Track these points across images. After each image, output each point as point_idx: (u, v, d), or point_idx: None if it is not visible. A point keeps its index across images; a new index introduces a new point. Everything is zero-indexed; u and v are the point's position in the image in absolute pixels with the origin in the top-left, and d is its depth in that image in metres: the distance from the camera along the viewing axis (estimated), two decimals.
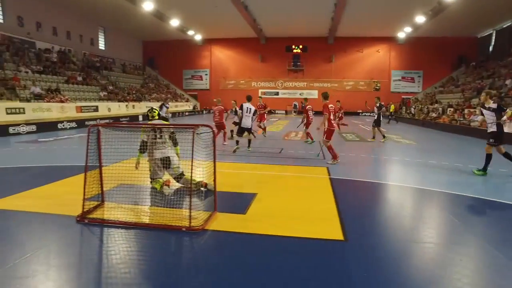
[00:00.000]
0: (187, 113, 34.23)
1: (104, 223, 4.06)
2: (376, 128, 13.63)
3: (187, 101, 39.74)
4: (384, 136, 13.36)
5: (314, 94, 40.91)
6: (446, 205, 5.40)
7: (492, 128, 7.12)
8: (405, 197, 5.94)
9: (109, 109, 23.64)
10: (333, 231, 4.00)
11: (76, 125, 17.91)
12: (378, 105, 13.49)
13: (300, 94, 41.03)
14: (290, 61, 40.40)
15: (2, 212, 4.49)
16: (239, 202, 5.00)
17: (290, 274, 3.03)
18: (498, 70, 25.97)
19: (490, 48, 33.12)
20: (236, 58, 41.35)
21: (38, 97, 18.13)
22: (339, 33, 35.69)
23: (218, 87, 41.42)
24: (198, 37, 38.58)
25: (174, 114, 30.48)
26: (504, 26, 30.96)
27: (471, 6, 24.23)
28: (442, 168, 8.06)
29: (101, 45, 33.87)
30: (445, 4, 23.92)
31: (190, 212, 3.91)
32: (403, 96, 38.13)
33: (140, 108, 27.34)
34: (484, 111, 7.33)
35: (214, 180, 4.36)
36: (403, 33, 34.25)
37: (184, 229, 3.85)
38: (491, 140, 7.15)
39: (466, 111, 20.29)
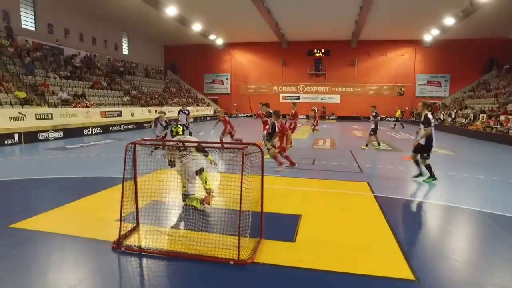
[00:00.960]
0: (208, 118, 34.13)
1: (142, 252, 3.69)
2: (372, 136, 13.15)
3: (208, 106, 39.71)
4: (378, 144, 13.31)
5: (336, 98, 40.22)
6: None
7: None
8: (474, 223, 5.23)
9: (132, 114, 23.71)
10: (399, 266, 3.50)
11: (101, 131, 17.95)
12: (374, 114, 13.07)
13: (321, 99, 40.41)
14: (312, 65, 39.78)
15: (36, 233, 4.22)
16: (285, 226, 4.55)
17: None
18: None
19: None
20: (257, 62, 41.07)
21: (65, 103, 18.30)
22: (363, 36, 34.84)
23: (238, 92, 41.20)
24: (220, 42, 38.55)
25: (195, 119, 30.41)
26: None
27: (507, 6, 23.03)
28: (498, 183, 7.38)
29: (125, 50, 34.30)
30: (478, 5, 22.82)
31: (239, 242, 3.47)
32: (430, 102, 36.81)
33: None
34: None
35: (262, 203, 3.93)
36: (429, 36, 33.05)
37: (232, 262, 3.43)
38: (424, 155, 7.27)
39: (502, 117, 19.18)
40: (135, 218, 4.25)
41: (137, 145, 4.06)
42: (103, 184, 6.54)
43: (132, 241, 3.92)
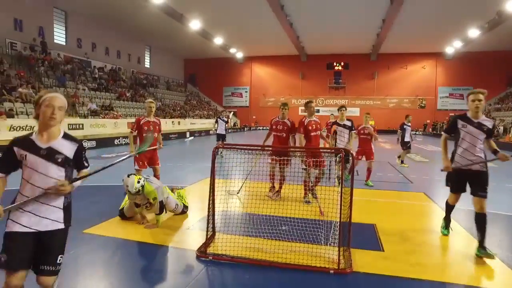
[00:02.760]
0: (229, 130, 34.23)
1: (233, 261, 3.56)
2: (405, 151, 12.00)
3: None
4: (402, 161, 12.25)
5: (356, 111, 39.77)
6: None
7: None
8: None
9: None
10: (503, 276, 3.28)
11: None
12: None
13: None
14: (331, 78, 39.76)
15: (110, 239, 4.15)
16: (365, 235, 4.39)
17: None
18: None
19: None
20: (276, 75, 41.29)
21: (94, 113, 18.62)
22: (383, 49, 34.77)
23: (258, 104, 41.40)
24: (239, 55, 39.00)
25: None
26: None
27: None
28: None
29: (147, 63, 35.00)
30: (505, 16, 22.52)
31: (339, 251, 3.32)
32: (450, 114, 36.16)
33: (185, 124, 27.62)
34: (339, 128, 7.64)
35: (350, 211, 3.76)
36: (452, 48, 32.73)
37: (332, 271, 3.27)
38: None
39: None
40: (212, 226, 4.12)
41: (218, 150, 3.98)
42: None
43: (214, 249, 3.79)
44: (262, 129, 39.34)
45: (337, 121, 7.70)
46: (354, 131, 7.56)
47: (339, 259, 3.33)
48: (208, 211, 3.95)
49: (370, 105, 38.65)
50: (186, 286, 3.05)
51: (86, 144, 14.76)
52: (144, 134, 5.80)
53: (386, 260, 3.66)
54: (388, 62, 37.38)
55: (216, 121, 12.83)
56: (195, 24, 26.30)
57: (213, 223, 4.13)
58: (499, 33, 26.32)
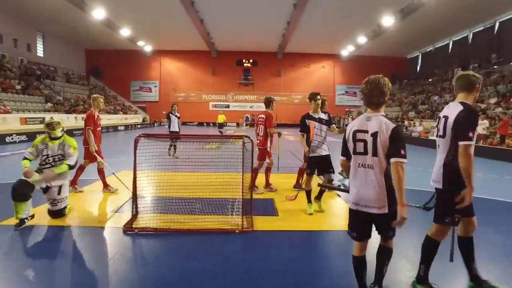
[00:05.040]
0: (139, 126, 33.16)
1: (156, 231, 4.19)
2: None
3: (136, 113, 38.44)
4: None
5: (264, 107, 42.23)
6: None
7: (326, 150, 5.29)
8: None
9: None
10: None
11: (26, 138, 16.51)
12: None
13: (250, 107, 42.13)
14: (241, 74, 41.47)
15: (36, 228, 4.36)
16: (266, 206, 5.53)
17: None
18: (427, 88, 29.63)
19: (418, 68, 37.63)
20: (186, 70, 41.27)
21: None
22: (288, 49, 37.71)
23: (168, 100, 40.76)
24: (148, 48, 37.86)
25: (126, 126, 29.39)
26: (428, 50, 35.52)
27: (402, 31, 27.61)
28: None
29: (40, 52, 31.53)
30: (383, 28, 26.82)
31: (242, 217, 4.31)
32: (346, 109, 41.21)
33: None
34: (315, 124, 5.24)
35: (251, 189, 4.73)
36: (346, 51, 37.34)
37: (237, 231, 4.20)
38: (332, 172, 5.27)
39: (406, 122, 22.82)
40: (135, 206, 4.65)
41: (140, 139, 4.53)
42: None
43: (140, 224, 4.37)
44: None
45: (310, 113, 5.31)
46: (333, 125, 5.50)
47: (242, 222, 4.33)
48: (133, 194, 4.49)
49: (277, 101, 41.15)
50: (114, 256, 3.59)
51: None
52: (98, 129, 6.17)
53: (279, 221, 4.83)
54: (293, 61, 40.66)
55: (168, 117, 11.19)
56: (98, 13, 24.84)
57: (136, 204, 4.66)
58: (381, 41, 31.09)
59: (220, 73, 41.30)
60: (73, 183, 6.07)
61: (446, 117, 2.69)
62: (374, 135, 2.43)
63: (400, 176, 2.32)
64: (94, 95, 6.44)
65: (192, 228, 4.26)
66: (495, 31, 25.89)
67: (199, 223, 4.39)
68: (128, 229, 4.20)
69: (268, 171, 6.66)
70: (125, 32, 30.30)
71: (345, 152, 2.65)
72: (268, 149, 6.66)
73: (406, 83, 36.42)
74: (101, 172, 6.20)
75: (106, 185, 6.27)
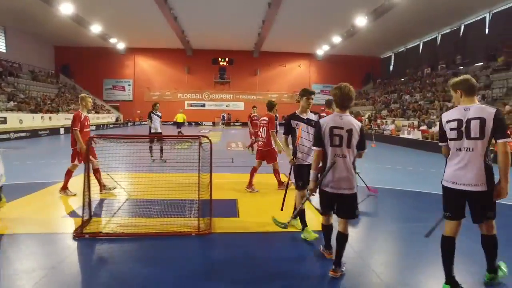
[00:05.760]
0: (111, 125, 32.24)
1: (109, 236, 4.01)
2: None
3: (108, 113, 37.37)
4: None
5: (240, 106, 42.18)
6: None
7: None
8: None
9: (20, 121, 21.09)
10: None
11: None
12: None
13: (226, 106, 41.92)
14: (217, 73, 41.15)
15: None
16: (228, 207, 5.42)
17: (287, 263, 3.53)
18: (399, 87, 30.44)
19: (391, 68, 38.60)
20: (161, 69, 40.56)
21: None
22: (264, 47, 37.73)
23: (142, 99, 39.96)
24: (121, 46, 36.84)
25: (98, 126, 28.50)
26: (400, 50, 36.50)
27: (375, 32, 28.17)
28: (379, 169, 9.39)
29: (1, 47, 29.98)
30: (357, 28, 27.29)
31: (198, 219, 4.17)
32: (321, 108, 41.65)
33: (58, 120, 24.96)
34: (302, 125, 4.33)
35: (210, 190, 4.62)
36: (321, 50, 37.77)
37: (193, 234, 4.08)
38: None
39: (379, 121, 23.33)
40: (88, 210, 4.44)
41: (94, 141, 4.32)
42: (25, 190, 6.23)
43: (92, 229, 4.17)
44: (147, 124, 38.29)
45: (297, 113, 4.43)
46: None
47: (198, 225, 4.20)
48: (84, 198, 4.27)
49: (253, 99, 41.29)
50: (57, 264, 3.39)
51: None
52: (86, 129, 6.06)
53: (239, 222, 4.75)
54: (269, 60, 40.71)
55: (149, 117, 10.46)
56: (66, 8, 23.82)
57: (89, 208, 4.46)
58: (355, 41, 31.64)
59: (196, 71, 40.84)
60: (64, 188, 5.92)
61: (481, 119, 2.74)
62: (349, 131, 3.09)
63: (360, 157, 3.25)
64: (82, 95, 6.35)
65: (147, 232, 4.12)
66: (461, 34, 26.88)
67: (155, 227, 4.25)
68: (78, 235, 4.00)
69: (254, 171, 6.70)
70: (96, 28, 29.33)
71: (321, 143, 3.18)
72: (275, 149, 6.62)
73: (379, 82, 37.27)
74: (97, 172, 5.93)
75: (102, 186, 6.03)
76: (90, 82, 38.65)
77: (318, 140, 3.21)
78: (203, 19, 27.61)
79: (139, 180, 5.28)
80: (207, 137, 4.58)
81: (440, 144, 3.06)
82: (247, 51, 39.78)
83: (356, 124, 3.13)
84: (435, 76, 26.64)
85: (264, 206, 5.52)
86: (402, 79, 32.41)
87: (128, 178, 5.40)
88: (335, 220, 3.37)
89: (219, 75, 41.22)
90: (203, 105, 41.88)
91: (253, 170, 6.67)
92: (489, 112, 2.74)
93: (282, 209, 4.51)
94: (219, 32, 31.69)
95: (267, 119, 6.69)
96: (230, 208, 5.39)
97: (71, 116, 6.52)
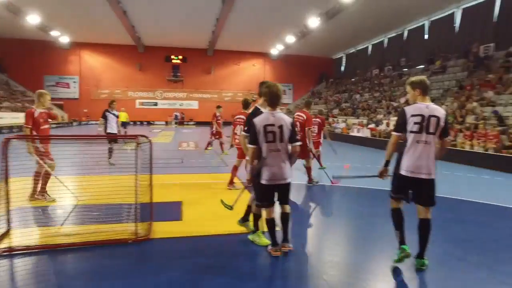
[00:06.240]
0: (54, 125, 29.91)
1: (30, 250, 3.52)
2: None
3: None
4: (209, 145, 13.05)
5: (194, 104, 41.33)
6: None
7: None
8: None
9: None
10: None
11: None
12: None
13: (180, 105, 40.86)
14: (170, 71, 39.95)
15: None
16: (171, 210, 5.11)
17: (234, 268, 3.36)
18: (350, 87, 31.65)
19: (342, 68, 40.05)
20: (111, 65, 38.50)
21: None
22: (219, 46, 37.30)
23: (89, 97, 37.64)
24: (65, 39, 34.27)
25: None
26: (351, 52, 37.97)
27: (328, 33, 28.99)
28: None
29: None
30: (310, 29, 27.86)
31: (136, 225, 3.82)
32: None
33: None
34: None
35: (151, 193, 4.29)
36: (276, 50, 38.14)
37: (130, 241, 3.74)
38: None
39: (330, 119, 24.01)
40: (7, 222, 3.90)
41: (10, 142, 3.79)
42: None
43: (13, 242, 3.65)
44: (96, 123, 36.19)
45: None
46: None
47: (136, 231, 3.86)
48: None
49: (207, 98, 40.79)
50: None
51: None
52: (41, 127, 5.50)
53: (181, 226, 4.48)
54: (224, 58, 40.28)
55: (104, 116, 9.52)
56: None
57: (8, 219, 3.92)
58: (309, 41, 32.31)
59: (148, 69, 39.28)
60: (42, 191, 5.33)
61: (437, 117, 3.22)
62: (281, 127, 3.37)
63: (297, 151, 3.56)
64: (41, 91, 5.80)
65: (77, 243, 3.68)
66: (404, 38, 28.54)
67: (87, 236, 3.83)
68: None
69: (235, 169, 6.68)
70: (33, 19, 26.89)
71: (255, 141, 3.39)
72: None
73: (331, 82, 38.49)
74: (47, 176, 5.36)
75: (43, 191, 5.44)
76: (28, 77, 35.36)
77: (253, 138, 3.42)
78: (154, 14, 26.56)
79: (73, 184, 4.78)
80: (146, 137, 4.22)
81: (395, 133, 3.38)
82: (201, 49, 39.07)
83: (287, 120, 3.44)
84: (382, 77, 28.02)
85: (211, 207, 5.28)
86: (353, 79, 33.71)
87: (57, 182, 4.84)
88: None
89: (172, 73, 40.03)
90: (156, 104, 40.46)
91: (234, 169, 6.67)
92: (441, 112, 3.26)
93: (232, 208, 4.29)
94: (172, 29, 30.72)
95: (244, 117, 6.57)
96: (173, 211, 5.09)
97: (5, 115, 5.80)
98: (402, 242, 3.32)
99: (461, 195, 6.51)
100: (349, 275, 3.29)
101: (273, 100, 3.44)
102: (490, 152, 10.55)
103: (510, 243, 4.08)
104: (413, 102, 3.35)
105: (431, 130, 3.20)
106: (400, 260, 3.25)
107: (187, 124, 39.10)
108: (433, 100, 18.20)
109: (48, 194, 5.43)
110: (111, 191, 4.21)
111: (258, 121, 3.40)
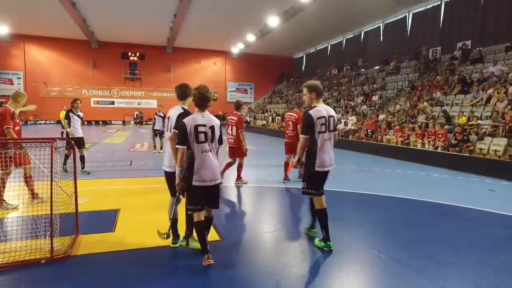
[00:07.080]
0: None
1: None
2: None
3: None
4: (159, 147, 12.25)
5: (153, 103, 39.86)
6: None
7: None
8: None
9: None
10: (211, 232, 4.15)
11: None
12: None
13: (138, 104, 39.31)
14: (127, 68, 38.24)
15: None
16: (103, 220, 4.56)
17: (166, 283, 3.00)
18: None
19: (303, 67, 40.56)
20: (61, 61, 36.05)
21: None
22: (178, 43, 36.28)
23: (37, 94, 34.96)
24: (4, 30, 31.36)
25: None
26: (311, 52, 38.53)
27: (288, 33, 29.18)
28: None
29: None
30: (269, 28, 27.82)
31: (51, 241, 3.28)
32: None
33: None
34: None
35: (76, 200, 3.79)
36: (236, 48, 37.78)
37: (43, 261, 3.20)
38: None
39: None
40: None
41: None
42: None
43: None
44: (45, 123, 33.92)
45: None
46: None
47: (51, 248, 3.33)
48: None
49: (167, 97, 39.51)
50: None
51: None
52: (16, 128, 5.22)
53: (113, 238, 3.96)
54: (184, 56, 39.25)
55: (67, 117, 8.33)
56: None
57: None
58: (269, 41, 32.31)
59: (103, 66, 37.28)
60: None
61: (333, 117, 3.83)
62: (212, 127, 3.39)
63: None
64: (18, 91, 5.52)
65: None
66: (361, 39, 29.39)
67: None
68: None
69: (240, 167, 7.20)
70: None
71: (185, 142, 3.27)
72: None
73: (292, 81, 38.83)
74: (29, 178, 4.88)
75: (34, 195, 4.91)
76: None
77: (183, 139, 3.28)
78: (106, 8, 25.12)
79: None
80: (64, 139, 3.71)
81: (304, 136, 3.72)
82: (160, 46, 37.78)
83: (217, 121, 3.47)
84: (341, 77, 28.62)
85: (149, 216, 4.84)
86: (313, 79, 34.10)
87: None
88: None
89: (130, 71, 38.32)
90: (112, 103, 38.55)
91: (237, 166, 7.19)
92: (333, 112, 3.89)
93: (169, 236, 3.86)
94: (127, 24, 29.29)
95: (236, 118, 7.04)
96: (106, 221, 4.54)
97: None
98: (327, 238, 3.75)
99: (410, 194, 6.57)
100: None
101: (202, 101, 3.44)
102: (439, 150, 10.94)
103: (453, 244, 4.06)
104: (310, 103, 3.81)
105: (331, 128, 3.77)
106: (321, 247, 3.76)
107: (146, 124, 37.67)
108: (388, 99, 18.92)
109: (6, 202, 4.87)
110: (26, 202, 3.66)
111: (188, 121, 3.31)
